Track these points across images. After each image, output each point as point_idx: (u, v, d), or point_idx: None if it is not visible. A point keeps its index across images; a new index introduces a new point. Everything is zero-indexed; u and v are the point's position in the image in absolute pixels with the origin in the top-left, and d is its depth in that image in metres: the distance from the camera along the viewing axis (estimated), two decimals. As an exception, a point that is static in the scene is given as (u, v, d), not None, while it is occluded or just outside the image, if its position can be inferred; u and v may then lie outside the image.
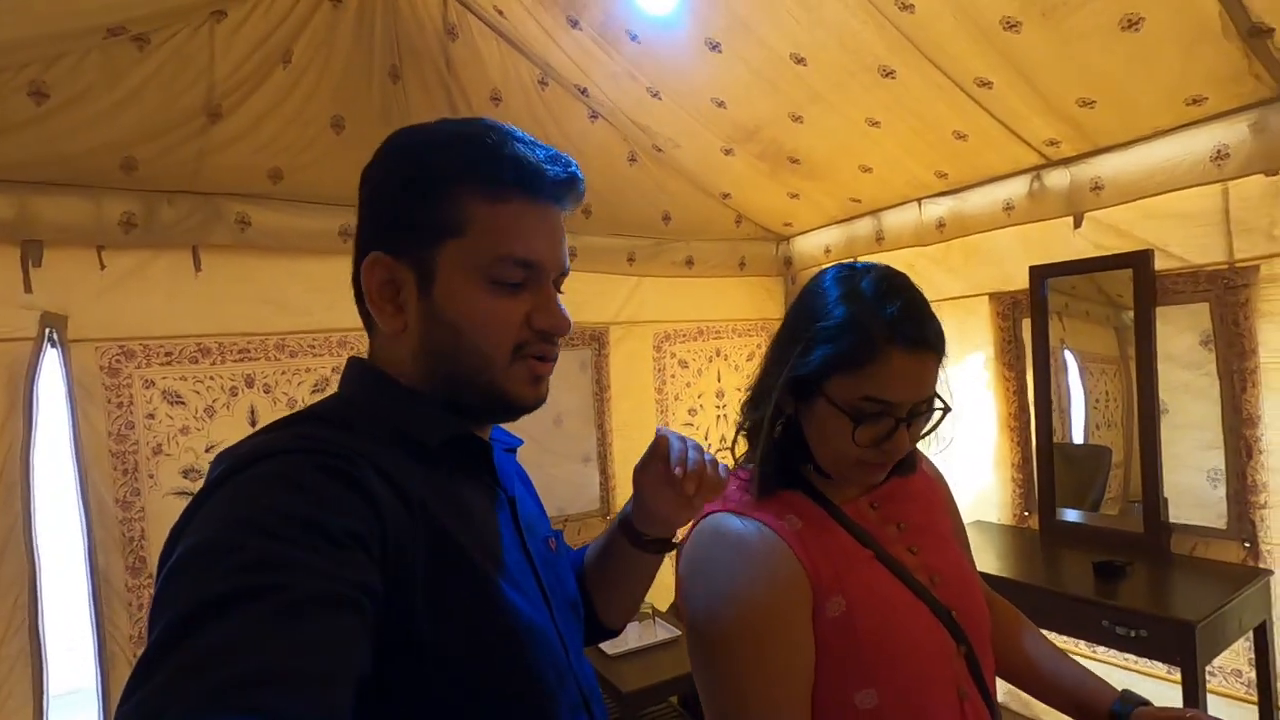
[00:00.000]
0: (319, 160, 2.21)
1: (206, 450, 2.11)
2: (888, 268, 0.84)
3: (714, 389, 3.20)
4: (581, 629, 0.79)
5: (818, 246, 3.07)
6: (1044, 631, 1.03)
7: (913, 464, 0.93)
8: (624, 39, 2.23)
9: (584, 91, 2.56)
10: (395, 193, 0.65)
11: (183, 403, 2.09)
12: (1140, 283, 2.04)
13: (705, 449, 0.75)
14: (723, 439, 3.17)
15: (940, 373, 0.81)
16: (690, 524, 0.87)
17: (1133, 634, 1.66)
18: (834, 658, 0.77)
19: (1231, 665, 1.93)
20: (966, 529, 1.04)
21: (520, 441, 0.84)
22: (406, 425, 0.63)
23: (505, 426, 0.78)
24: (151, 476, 2.03)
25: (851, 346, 0.77)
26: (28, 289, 1.85)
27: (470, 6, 2.34)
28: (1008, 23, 1.68)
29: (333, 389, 0.72)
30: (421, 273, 0.63)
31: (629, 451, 2.89)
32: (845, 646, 0.76)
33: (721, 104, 2.39)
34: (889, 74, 1.99)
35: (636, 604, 0.90)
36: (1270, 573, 1.83)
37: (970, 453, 2.58)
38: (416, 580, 0.55)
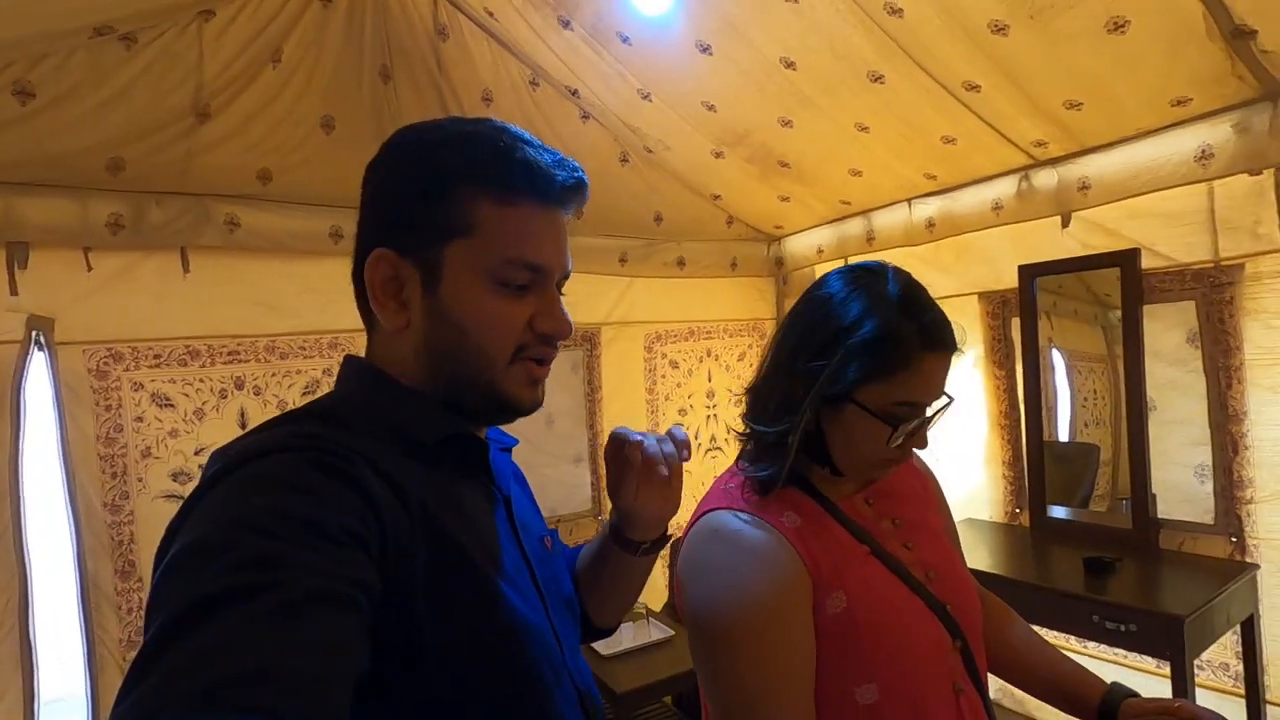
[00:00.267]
0: (309, 161, 2.19)
1: (196, 453, 2.09)
2: (898, 269, 0.84)
3: (704, 389, 3.20)
4: (577, 627, 0.79)
5: (809, 247, 3.09)
6: (1035, 627, 1.04)
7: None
8: (615, 40, 2.23)
9: (574, 93, 2.56)
10: (403, 191, 0.64)
11: (172, 405, 2.08)
12: (1128, 281, 2.06)
13: (650, 431, 0.78)
14: (713, 439, 3.18)
15: None
16: (687, 523, 0.87)
17: (1122, 629, 1.68)
18: (835, 653, 0.77)
19: (1220, 659, 1.95)
20: (958, 526, 1.05)
21: (515, 441, 0.84)
22: (405, 424, 0.63)
23: (501, 426, 0.78)
24: (140, 480, 2.02)
25: (887, 358, 0.77)
26: (13, 291, 1.83)
27: (460, 7, 2.33)
28: (995, 26, 1.69)
29: (324, 391, 0.72)
30: (427, 271, 0.63)
31: (621, 452, 2.90)
32: (846, 642, 0.77)
33: (711, 107, 2.40)
34: (878, 78, 2.00)
35: (631, 604, 0.91)
36: (1257, 567, 1.86)
37: (961, 450, 2.60)
38: (417, 580, 0.55)
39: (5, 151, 1.78)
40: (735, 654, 0.76)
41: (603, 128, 2.70)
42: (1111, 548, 1.98)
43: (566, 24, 2.22)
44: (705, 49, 2.13)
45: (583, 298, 2.78)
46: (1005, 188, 2.29)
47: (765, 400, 0.85)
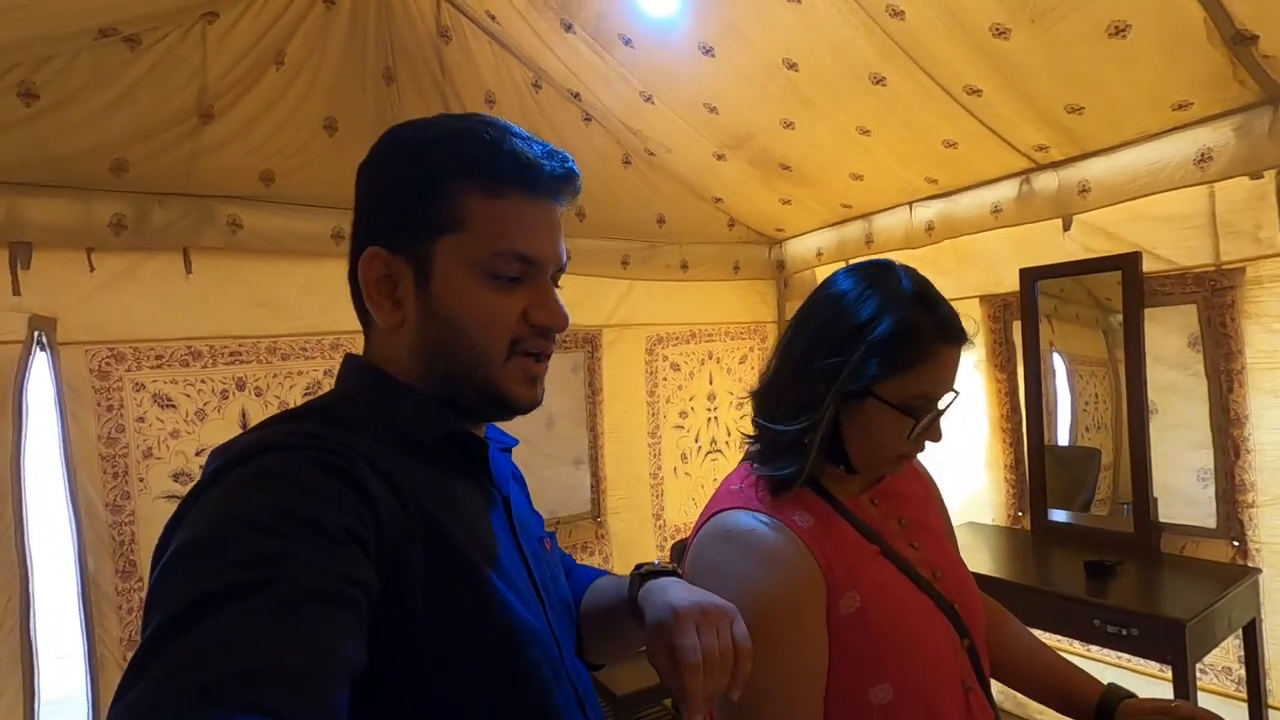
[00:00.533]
0: (311, 162, 2.20)
1: (197, 454, 2.09)
2: (905, 265, 0.86)
3: (705, 392, 3.20)
4: (575, 629, 0.79)
5: (810, 250, 3.08)
6: (1036, 630, 1.04)
7: None
8: (617, 43, 2.24)
9: (577, 96, 2.56)
10: (392, 188, 0.64)
11: (173, 406, 2.08)
12: (1129, 284, 2.06)
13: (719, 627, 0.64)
14: (713, 441, 3.18)
15: None
16: (695, 524, 0.87)
17: (1124, 632, 1.67)
18: (849, 653, 0.77)
19: (1221, 663, 1.94)
20: (960, 530, 1.05)
21: (515, 441, 0.83)
22: (403, 422, 0.63)
23: (500, 426, 0.78)
24: (142, 480, 2.02)
25: (907, 352, 0.78)
26: (16, 291, 1.84)
27: (463, 9, 2.34)
28: (997, 29, 1.70)
29: (325, 392, 0.72)
30: (419, 268, 0.63)
31: (620, 454, 2.90)
32: (860, 642, 0.77)
33: (714, 109, 2.40)
34: (880, 81, 2.00)
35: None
36: (1259, 571, 1.85)
37: (963, 454, 2.60)
38: (415, 579, 0.54)
39: (9, 152, 1.79)
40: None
41: (605, 130, 2.70)
42: (1113, 551, 1.98)
43: (569, 27, 2.23)
44: (708, 51, 2.13)
45: (584, 300, 2.78)
46: (1006, 191, 2.28)
47: (776, 401, 0.85)
